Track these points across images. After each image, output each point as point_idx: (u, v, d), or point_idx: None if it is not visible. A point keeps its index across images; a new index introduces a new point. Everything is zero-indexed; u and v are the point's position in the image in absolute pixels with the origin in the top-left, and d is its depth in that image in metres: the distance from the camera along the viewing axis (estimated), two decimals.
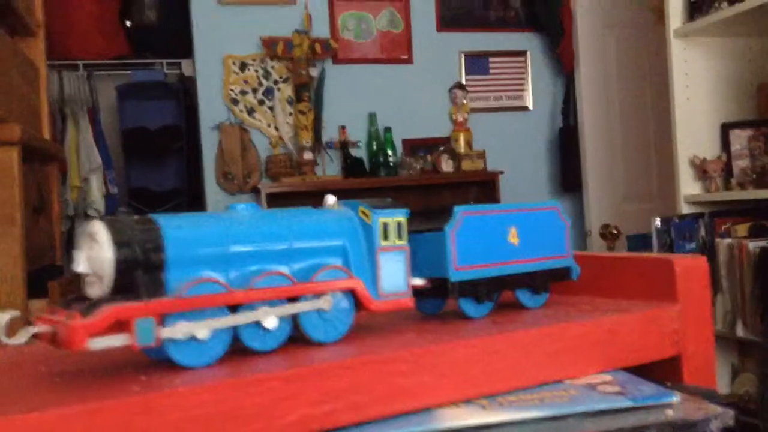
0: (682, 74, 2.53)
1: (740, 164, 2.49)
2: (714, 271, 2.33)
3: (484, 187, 3.86)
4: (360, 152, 3.82)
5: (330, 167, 3.78)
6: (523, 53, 4.14)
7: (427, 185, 3.77)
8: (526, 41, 4.15)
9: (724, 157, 2.49)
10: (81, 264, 0.47)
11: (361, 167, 3.73)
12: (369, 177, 3.71)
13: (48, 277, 1.68)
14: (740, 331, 2.24)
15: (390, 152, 3.78)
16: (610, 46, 3.71)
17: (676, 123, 2.53)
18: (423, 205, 3.64)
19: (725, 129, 2.54)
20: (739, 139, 2.54)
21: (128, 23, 4.28)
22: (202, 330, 0.47)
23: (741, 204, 2.43)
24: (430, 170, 3.78)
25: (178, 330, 0.46)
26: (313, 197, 3.28)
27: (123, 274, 0.46)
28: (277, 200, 3.49)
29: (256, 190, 3.60)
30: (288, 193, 3.49)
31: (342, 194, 0.61)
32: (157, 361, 0.51)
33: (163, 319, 0.46)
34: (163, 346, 0.47)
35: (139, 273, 0.46)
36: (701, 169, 2.49)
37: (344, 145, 3.75)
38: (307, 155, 3.62)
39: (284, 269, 0.53)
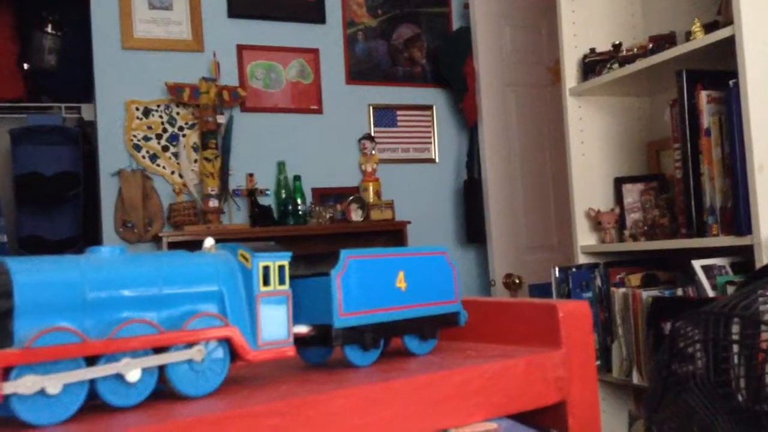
0: (577, 131, 2.65)
1: (633, 217, 2.61)
2: (609, 320, 2.40)
3: (392, 237, 3.88)
4: (268, 200, 3.77)
5: (237, 215, 3.70)
6: (429, 107, 4.24)
7: (337, 234, 3.75)
8: (432, 96, 4.26)
9: (617, 209, 2.60)
10: None
11: (269, 215, 3.67)
12: (277, 225, 3.66)
13: None
14: (636, 379, 2.30)
15: (299, 201, 3.75)
16: (510, 103, 3.85)
17: (572, 177, 2.63)
18: None
19: (618, 183, 2.66)
20: (632, 192, 2.66)
21: (26, 66, 4.11)
22: (51, 384, 0.43)
23: (634, 255, 2.53)
24: (340, 219, 3.77)
25: (23, 384, 0.42)
26: None
27: None
28: (179, 249, 3.36)
29: (157, 239, 3.48)
30: (191, 242, 3.37)
31: (249, 243, 0.58)
32: (4, 419, 0.46)
33: (7, 372, 0.42)
34: (8, 401, 0.42)
35: None
36: (596, 221, 2.59)
37: (252, 193, 3.69)
38: (213, 203, 3.54)
39: (152, 317, 0.49)
